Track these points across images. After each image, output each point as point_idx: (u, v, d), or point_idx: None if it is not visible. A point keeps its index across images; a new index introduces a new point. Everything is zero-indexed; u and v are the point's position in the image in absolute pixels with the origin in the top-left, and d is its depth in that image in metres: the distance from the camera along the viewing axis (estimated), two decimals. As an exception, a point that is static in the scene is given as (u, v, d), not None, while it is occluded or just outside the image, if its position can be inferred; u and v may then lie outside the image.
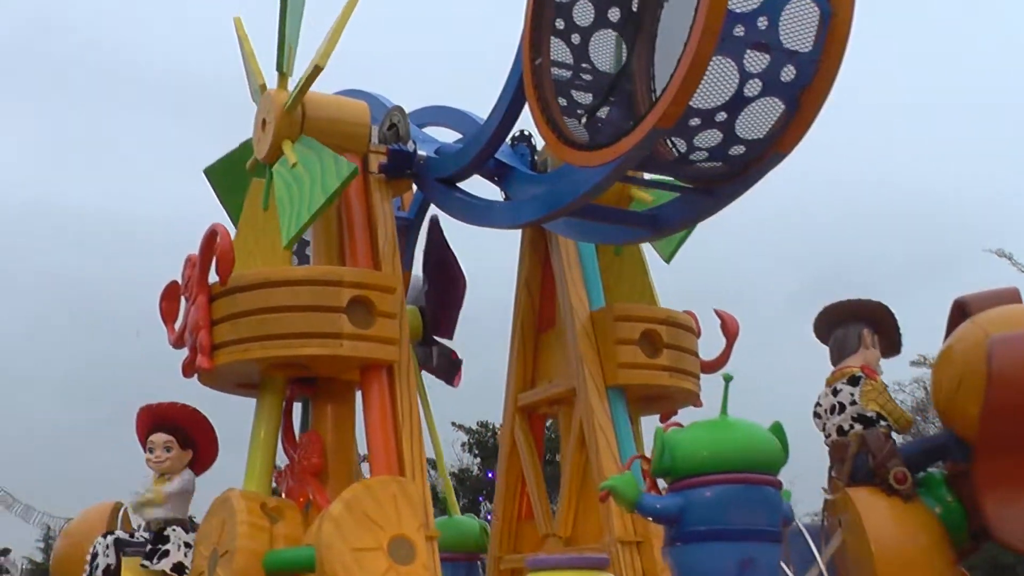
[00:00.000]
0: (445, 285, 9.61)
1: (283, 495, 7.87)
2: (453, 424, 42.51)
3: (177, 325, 8.04)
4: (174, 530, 8.11)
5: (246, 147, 8.39)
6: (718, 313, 8.88)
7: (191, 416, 8.39)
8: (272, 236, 7.70)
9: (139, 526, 8.46)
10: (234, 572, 7.19)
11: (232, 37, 8.35)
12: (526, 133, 8.64)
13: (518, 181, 8.28)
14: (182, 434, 8.36)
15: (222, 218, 8.99)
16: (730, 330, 8.79)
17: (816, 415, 8.29)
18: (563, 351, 8.55)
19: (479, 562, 9.68)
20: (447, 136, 9.13)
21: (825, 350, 8.46)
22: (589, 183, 6.78)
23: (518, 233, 8.93)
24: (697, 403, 8.71)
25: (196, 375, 7.85)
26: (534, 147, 8.71)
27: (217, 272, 7.46)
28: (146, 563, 8.03)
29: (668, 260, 8.97)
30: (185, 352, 7.83)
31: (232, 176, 8.83)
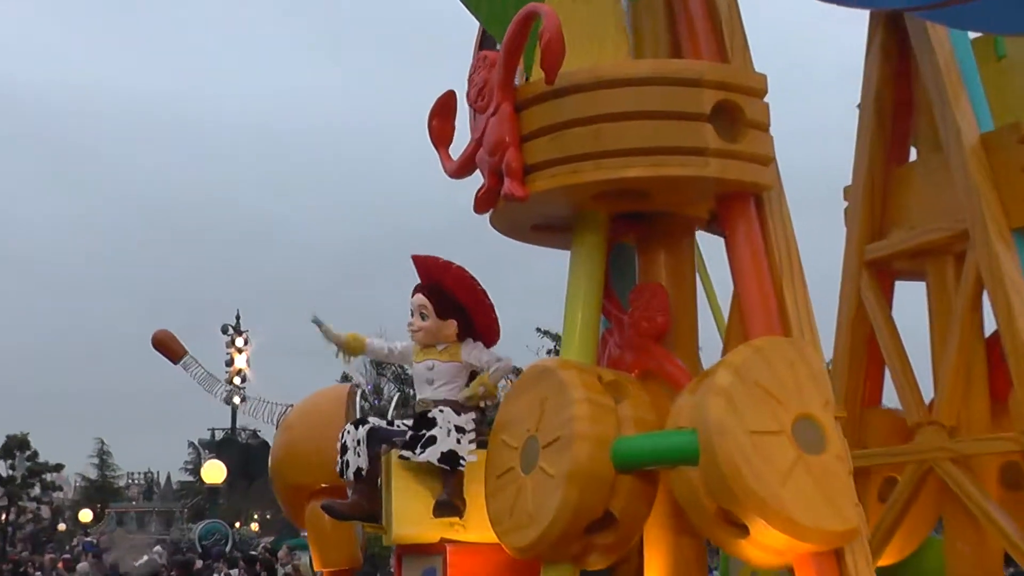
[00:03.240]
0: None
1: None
2: (539, 330, 37.72)
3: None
4: (441, 411, 6.08)
5: None
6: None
7: (457, 278, 6.33)
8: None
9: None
10: (573, 466, 5.33)
11: None
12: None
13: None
14: (440, 298, 6.35)
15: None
16: None
17: None
18: (932, 187, 6.68)
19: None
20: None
21: None
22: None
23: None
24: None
25: (491, 211, 5.95)
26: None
27: (543, 66, 5.45)
28: (406, 454, 6.04)
29: None
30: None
31: None
